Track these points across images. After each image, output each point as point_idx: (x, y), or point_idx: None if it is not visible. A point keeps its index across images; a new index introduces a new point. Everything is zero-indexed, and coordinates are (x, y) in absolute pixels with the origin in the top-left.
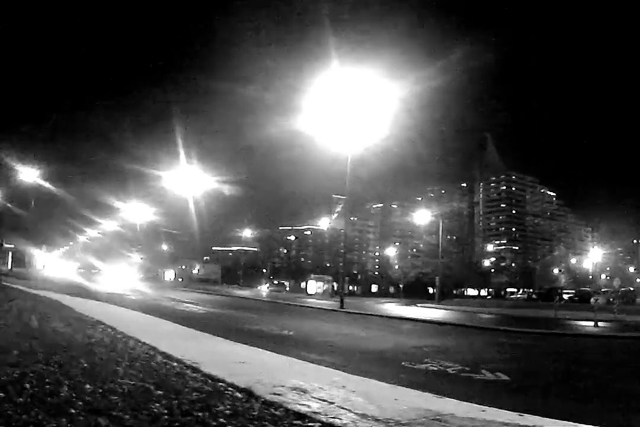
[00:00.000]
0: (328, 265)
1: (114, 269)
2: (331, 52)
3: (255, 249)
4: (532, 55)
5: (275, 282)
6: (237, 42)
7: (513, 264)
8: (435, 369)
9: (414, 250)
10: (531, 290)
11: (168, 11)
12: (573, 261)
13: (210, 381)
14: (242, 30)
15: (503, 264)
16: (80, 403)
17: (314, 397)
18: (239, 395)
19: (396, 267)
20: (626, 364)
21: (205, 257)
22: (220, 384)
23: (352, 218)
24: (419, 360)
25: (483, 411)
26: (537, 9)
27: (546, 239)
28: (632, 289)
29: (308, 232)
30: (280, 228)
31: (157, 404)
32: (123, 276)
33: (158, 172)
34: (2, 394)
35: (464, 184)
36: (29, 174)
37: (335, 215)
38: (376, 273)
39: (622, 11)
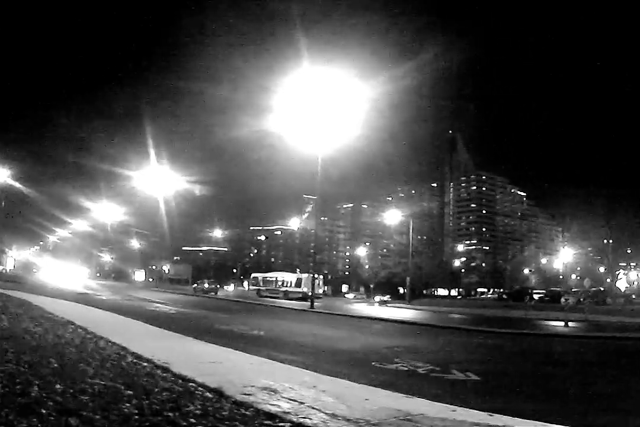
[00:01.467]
0: (298, 265)
1: (84, 269)
2: (302, 52)
3: (226, 249)
4: (501, 55)
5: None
6: (208, 42)
7: (483, 264)
8: (406, 369)
9: (384, 250)
10: (501, 290)
11: (138, 11)
12: (543, 261)
13: (180, 381)
14: (212, 30)
15: (473, 264)
16: (51, 403)
17: (285, 397)
18: (210, 395)
19: (366, 267)
20: (596, 364)
21: (175, 257)
22: (191, 384)
23: (322, 218)
24: (390, 360)
25: (453, 410)
26: (507, 9)
27: (516, 239)
28: (602, 289)
29: (278, 232)
30: (251, 228)
31: (128, 404)
32: (93, 276)
33: (128, 172)
34: None
35: (435, 184)
36: None
37: (306, 215)
38: (346, 273)
39: (589, 12)
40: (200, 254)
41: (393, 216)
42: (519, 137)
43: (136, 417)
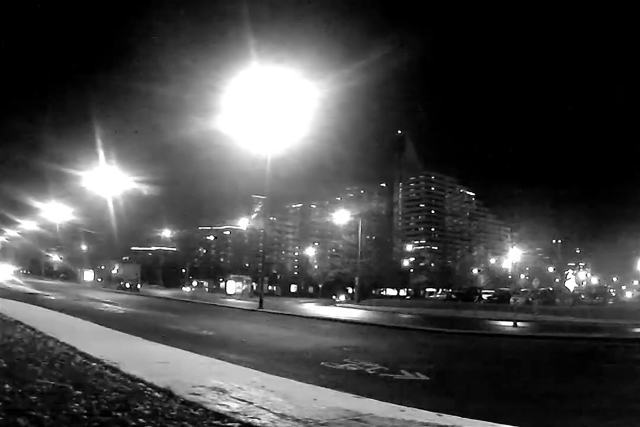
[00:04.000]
0: (247, 265)
1: (32, 269)
2: (250, 52)
3: (175, 249)
4: (450, 56)
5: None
6: (156, 42)
7: (432, 264)
8: (355, 369)
9: (333, 250)
10: (450, 290)
11: (86, 10)
12: (492, 261)
13: (129, 381)
14: (160, 29)
15: (422, 264)
16: (0, 403)
17: (233, 397)
18: (158, 395)
19: (315, 267)
20: (543, 364)
21: (124, 257)
22: (140, 384)
23: (271, 218)
24: (339, 360)
25: (402, 410)
26: (456, 9)
27: (465, 239)
28: (551, 289)
29: (227, 232)
30: (200, 228)
31: (77, 404)
32: (41, 276)
33: (77, 172)
34: None
35: (383, 184)
36: None
37: (255, 215)
38: (295, 273)
39: (537, 12)
40: (149, 254)
41: (342, 216)
42: (468, 137)
43: (85, 417)
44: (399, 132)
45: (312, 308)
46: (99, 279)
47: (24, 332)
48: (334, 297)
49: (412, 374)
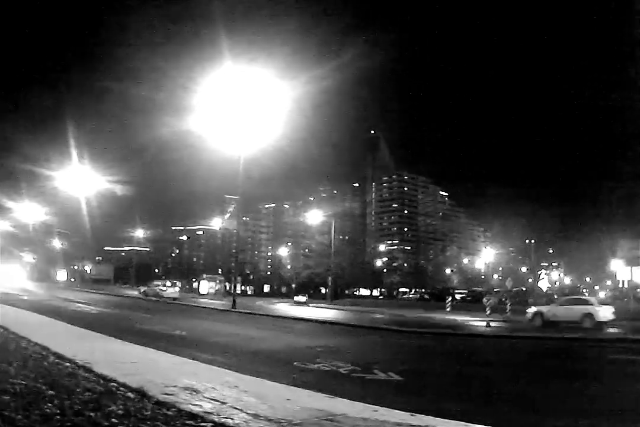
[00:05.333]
0: (220, 265)
1: (5, 270)
2: (223, 52)
3: (148, 249)
4: (423, 56)
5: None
6: (129, 42)
7: (405, 264)
8: (328, 369)
9: (306, 250)
10: (423, 290)
11: (60, 10)
12: (465, 261)
13: (102, 381)
14: (134, 29)
15: (395, 264)
16: None
17: (206, 397)
18: (131, 395)
19: (288, 267)
20: (516, 364)
21: (97, 258)
22: (113, 384)
23: (244, 218)
24: (311, 360)
25: (375, 411)
26: (428, 9)
27: (438, 239)
28: (524, 289)
29: (200, 233)
30: (173, 228)
31: (50, 404)
32: (15, 276)
33: (50, 172)
34: None
35: (356, 184)
36: None
37: (228, 215)
38: (268, 273)
39: (508, 12)
40: (122, 254)
41: (315, 216)
42: (441, 137)
43: (58, 417)
44: (372, 132)
45: (285, 308)
46: (73, 279)
47: None
48: (296, 297)
49: (385, 374)
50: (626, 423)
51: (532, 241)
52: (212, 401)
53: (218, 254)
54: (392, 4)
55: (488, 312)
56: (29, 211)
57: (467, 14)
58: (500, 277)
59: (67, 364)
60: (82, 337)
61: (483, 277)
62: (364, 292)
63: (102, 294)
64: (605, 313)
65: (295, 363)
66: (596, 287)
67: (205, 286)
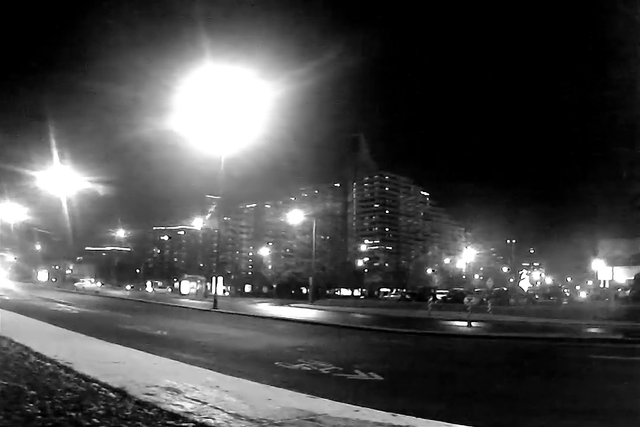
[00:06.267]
0: (201, 265)
1: None
2: (205, 52)
3: (129, 249)
4: (404, 56)
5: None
6: (110, 42)
7: (386, 264)
8: (309, 369)
9: (287, 250)
10: (404, 290)
11: (40, 10)
12: (446, 261)
13: (83, 381)
14: (114, 29)
15: (376, 264)
16: None
17: (188, 398)
18: (113, 395)
19: (269, 267)
20: (497, 364)
21: (78, 258)
22: (94, 384)
23: (225, 218)
24: (293, 360)
25: (357, 411)
26: (409, 10)
27: (420, 239)
28: (505, 289)
29: (182, 233)
30: (154, 228)
31: (31, 404)
32: None
33: (31, 172)
34: None
35: (338, 184)
36: None
37: (209, 215)
38: (250, 273)
39: (490, 13)
40: (104, 254)
41: (296, 216)
42: (423, 137)
43: (39, 417)
44: (353, 132)
45: (266, 308)
46: (54, 279)
47: None
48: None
49: (366, 374)
50: (606, 422)
51: (513, 241)
52: (193, 401)
53: (199, 254)
54: (373, 4)
55: (469, 312)
56: (10, 211)
57: (448, 14)
58: (481, 277)
59: (49, 364)
60: (64, 338)
61: (464, 277)
62: (345, 292)
63: (83, 294)
64: None
65: (276, 363)
66: (577, 287)
67: (187, 286)
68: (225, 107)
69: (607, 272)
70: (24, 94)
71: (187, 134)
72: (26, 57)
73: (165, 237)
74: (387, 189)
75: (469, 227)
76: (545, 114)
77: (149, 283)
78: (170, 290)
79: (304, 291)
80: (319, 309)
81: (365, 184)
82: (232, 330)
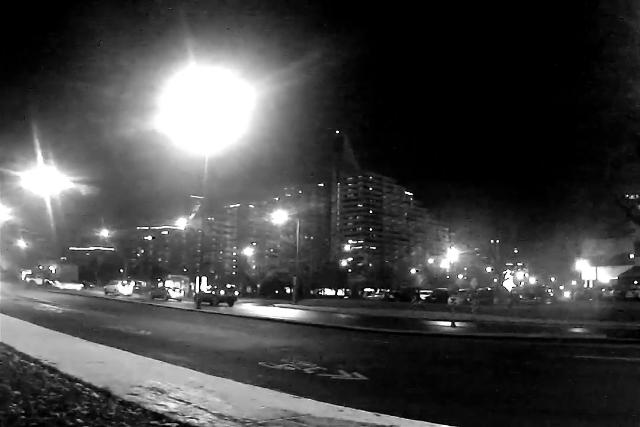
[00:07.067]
0: (185, 265)
1: None
2: (188, 52)
3: (113, 249)
4: (388, 56)
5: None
6: (94, 42)
7: (370, 264)
8: (293, 369)
9: (271, 250)
10: (388, 290)
11: (22, 10)
12: (430, 261)
13: (67, 381)
14: (98, 29)
15: (360, 264)
16: None
17: (171, 398)
18: (97, 395)
19: (253, 267)
20: (481, 364)
21: (62, 257)
22: (78, 384)
23: (209, 218)
24: (277, 360)
25: (341, 411)
26: (392, 10)
27: (403, 239)
28: (489, 289)
29: (165, 232)
30: (138, 228)
31: (15, 404)
32: None
33: (15, 173)
34: None
35: (321, 184)
36: None
37: (193, 215)
38: (233, 273)
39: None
40: (87, 254)
41: (280, 216)
42: (406, 137)
43: (23, 417)
44: (337, 132)
45: (250, 308)
46: (37, 279)
47: None
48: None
49: (350, 374)
50: (590, 422)
51: (497, 241)
52: (177, 401)
53: (183, 254)
54: (356, 5)
55: (453, 312)
56: None
57: (429, 14)
58: (465, 277)
59: (32, 364)
60: (48, 338)
61: (448, 277)
62: (329, 292)
63: (67, 294)
64: None
65: (260, 363)
66: (561, 287)
67: (170, 286)
68: (208, 107)
69: (590, 272)
70: (8, 94)
71: (171, 134)
72: (9, 58)
73: (149, 237)
74: (370, 189)
75: (453, 227)
76: (529, 114)
77: (132, 283)
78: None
79: (288, 291)
80: (302, 309)
81: (349, 184)
82: (216, 330)
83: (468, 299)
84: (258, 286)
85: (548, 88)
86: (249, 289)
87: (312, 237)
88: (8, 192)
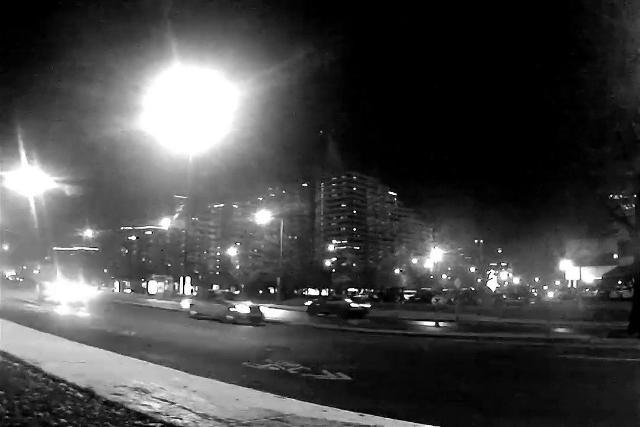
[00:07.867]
0: (169, 265)
1: None
2: (173, 52)
3: (96, 249)
4: (372, 56)
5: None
6: (78, 42)
7: (354, 264)
8: (277, 369)
9: (255, 250)
10: (372, 290)
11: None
12: (414, 261)
13: (51, 381)
14: (82, 29)
15: (344, 264)
16: None
17: (155, 398)
18: (80, 395)
19: (237, 267)
20: (465, 364)
21: (46, 258)
22: (62, 384)
23: (193, 218)
24: (260, 360)
25: (324, 411)
26: (376, 11)
27: (387, 239)
28: (473, 289)
29: (149, 233)
30: (122, 228)
31: None
32: None
33: None
34: None
35: (305, 184)
36: None
37: (177, 215)
38: (217, 273)
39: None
40: (71, 254)
41: (264, 216)
42: (390, 137)
43: (7, 417)
44: (321, 132)
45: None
46: (21, 279)
47: None
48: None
49: (334, 374)
50: (574, 422)
51: (481, 241)
52: (161, 401)
53: (167, 254)
54: (340, 5)
55: (437, 312)
56: None
57: (414, 15)
58: (449, 277)
59: (16, 364)
60: (32, 337)
61: (432, 277)
62: (313, 292)
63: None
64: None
65: (244, 363)
66: (545, 287)
67: (154, 286)
68: (193, 107)
69: (574, 272)
70: None
71: (155, 134)
72: None
73: (133, 237)
74: (354, 189)
75: (437, 227)
76: (513, 114)
77: (116, 283)
78: (131, 291)
79: (272, 291)
80: (287, 309)
81: (333, 184)
82: (200, 330)
83: (452, 299)
84: (242, 286)
85: (531, 88)
86: (232, 289)
87: (296, 237)
88: None
